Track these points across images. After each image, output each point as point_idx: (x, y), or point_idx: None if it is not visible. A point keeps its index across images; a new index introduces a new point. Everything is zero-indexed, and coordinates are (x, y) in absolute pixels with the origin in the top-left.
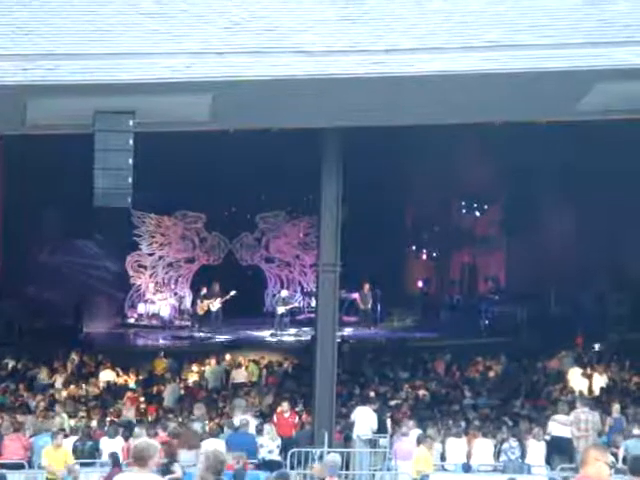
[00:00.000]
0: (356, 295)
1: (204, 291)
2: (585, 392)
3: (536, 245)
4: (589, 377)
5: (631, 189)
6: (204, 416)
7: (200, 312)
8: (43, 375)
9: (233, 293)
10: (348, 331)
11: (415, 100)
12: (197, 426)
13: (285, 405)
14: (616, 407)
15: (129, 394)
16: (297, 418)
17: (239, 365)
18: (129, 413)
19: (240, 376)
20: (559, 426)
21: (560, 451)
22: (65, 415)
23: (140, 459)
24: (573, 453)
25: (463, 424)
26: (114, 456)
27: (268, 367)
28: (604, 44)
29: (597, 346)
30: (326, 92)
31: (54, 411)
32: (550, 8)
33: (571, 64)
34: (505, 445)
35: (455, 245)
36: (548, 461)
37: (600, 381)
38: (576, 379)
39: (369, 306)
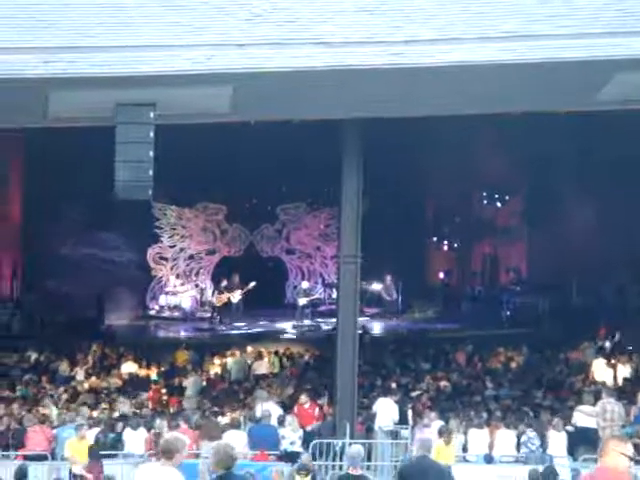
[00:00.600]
0: (378, 286)
1: (224, 283)
2: (609, 383)
3: (557, 236)
4: (613, 367)
5: None
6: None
7: (218, 304)
8: (64, 367)
9: (253, 284)
10: (369, 322)
11: (434, 91)
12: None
13: (304, 397)
14: None
15: (152, 387)
16: (317, 410)
17: (260, 357)
18: (124, 407)
19: (261, 368)
20: (584, 417)
21: (586, 442)
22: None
23: (168, 452)
24: (599, 443)
25: (485, 415)
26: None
27: (289, 358)
28: (623, 34)
29: (618, 337)
30: (345, 83)
31: (77, 403)
32: None
33: (590, 54)
34: (524, 437)
35: (476, 236)
36: (571, 452)
37: (624, 371)
38: (600, 370)
39: (392, 297)
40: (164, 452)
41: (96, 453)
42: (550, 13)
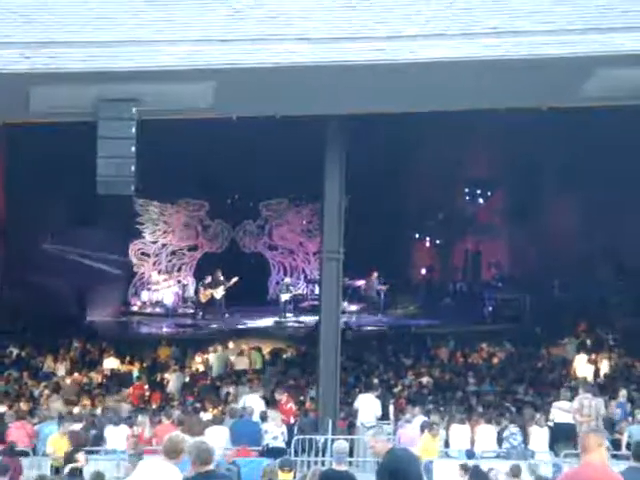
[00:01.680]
0: (361, 282)
1: (208, 279)
2: (590, 378)
3: (539, 232)
4: (594, 363)
5: (633, 177)
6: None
7: (203, 299)
8: (48, 363)
9: (236, 279)
10: (351, 318)
11: (417, 87)
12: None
13: (279, 394)
14: (623, 393)
15: (134, 384)
16: (293, 406)
17: (241, 352)
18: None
19: (242, 363)
20: (561, 413)
21: (565, 437)
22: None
23: (172, 452)
24: (577, 439)
25: (466, 410)
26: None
27: (271, 354)
28: (604, 30)
29: (599, 332)
30: (328, 79)
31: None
32: None
33: (572, 50)
34: (506, 432)
35: (458, 232)
36: (552, 447)
37: (605, 367)
38: (581, 366)
39: (374, 293)
40: (168, 452)
41: (13, 450)
42: (533, 9)
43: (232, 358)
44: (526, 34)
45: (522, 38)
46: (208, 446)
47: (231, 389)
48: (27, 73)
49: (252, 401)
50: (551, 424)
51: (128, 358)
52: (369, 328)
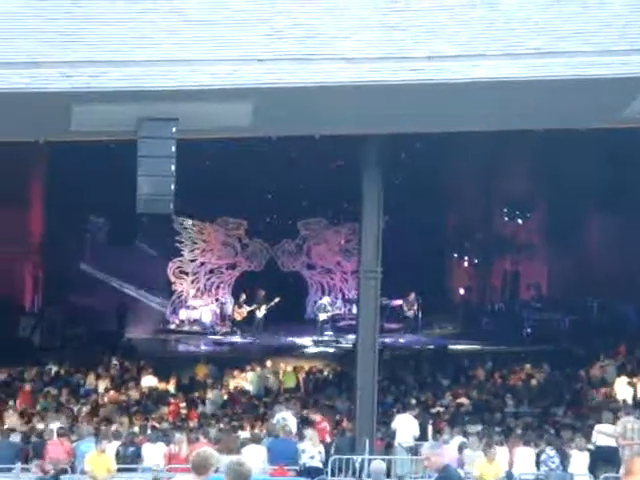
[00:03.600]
0: (399, 302)
1: (243, 297)
2: (629, 401)
3: (578, 253)
4: (634, 385)
5: None
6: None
7: (238, 318)
8: (90, 380)
9: (277, 300)
10: (389, 337)
11: (456, 107)
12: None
13: (317, 415)
14: None
15: (172, 402)
16: (328, 425)
17: (279, 372)
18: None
19: (279, 383)
20: (604, 436)
21: (606, 460)
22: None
23: (202, 467)
24: (620, 462)
25: (504, 432)
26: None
27: (309, 374)
28: None
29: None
30: (366, 99)
31: (97, 416)
32: (594, 15)
33: (615, 71)
34: (543, 455)
35: (497, 252)
36: (592, 470)
37: None
38: (622, 388)
39: (412, 313)
40: (198, 467)
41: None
42: (576, 30)
43: (270, 377)
44: (569, 55)
45: (565, 59)
46: (247, 468)
47: (269, 408)
48: (68, 92)
49: (287, 416)
50: (592, 447)
51: (165, 376)
52: (407, 348)
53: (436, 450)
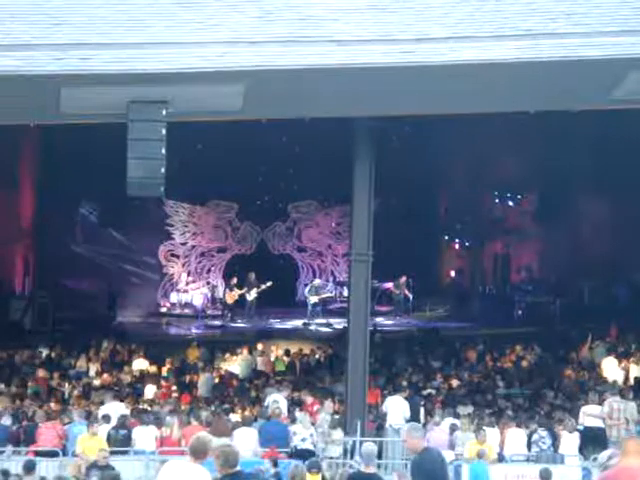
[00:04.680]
0: (389, 285)
1: (234, 280)
2: (620, 382)
3: (570, 235)
4: (625, 367)
5: None
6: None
7: (230, 301)
8: (81, 363)
9: (269, 284)
10: (380, 320)
11: (446, 89)
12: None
13: (309, 397)
14: None
15: (163, 385)
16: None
17: (269, 354)
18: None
19: (269, 365)
20: (591, 417)
21: (594, 441)
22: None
23: (201, 452)
24: (607, 442)
25: (495, 414)
26: None
27: (300, 356)
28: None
29: (630, 337)
30: (357, 81)
31: (88, 399)
32: None
33: (606, 53)
34: (535, 436)
35: (488, 235)
36: (582, 451)
37: (635, 371)
38: (610, 369)
39: (402, 296)
40: (195, 452)
41: None
42: (568, 11)
43: (259, 360)
44: (560, 36)
45: (556, 40)
46: (235, 449)
47: (259, 391)
48: (58, 75)
49: (278, 398)
50: (581, 428)
51: (156, 359)
52: (397, 330)
53: (414, 433)
